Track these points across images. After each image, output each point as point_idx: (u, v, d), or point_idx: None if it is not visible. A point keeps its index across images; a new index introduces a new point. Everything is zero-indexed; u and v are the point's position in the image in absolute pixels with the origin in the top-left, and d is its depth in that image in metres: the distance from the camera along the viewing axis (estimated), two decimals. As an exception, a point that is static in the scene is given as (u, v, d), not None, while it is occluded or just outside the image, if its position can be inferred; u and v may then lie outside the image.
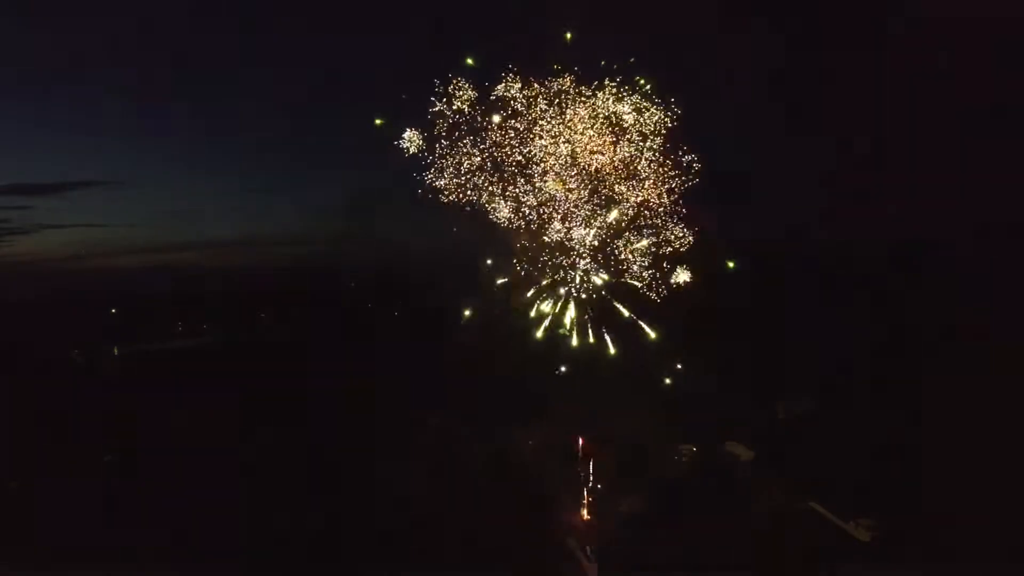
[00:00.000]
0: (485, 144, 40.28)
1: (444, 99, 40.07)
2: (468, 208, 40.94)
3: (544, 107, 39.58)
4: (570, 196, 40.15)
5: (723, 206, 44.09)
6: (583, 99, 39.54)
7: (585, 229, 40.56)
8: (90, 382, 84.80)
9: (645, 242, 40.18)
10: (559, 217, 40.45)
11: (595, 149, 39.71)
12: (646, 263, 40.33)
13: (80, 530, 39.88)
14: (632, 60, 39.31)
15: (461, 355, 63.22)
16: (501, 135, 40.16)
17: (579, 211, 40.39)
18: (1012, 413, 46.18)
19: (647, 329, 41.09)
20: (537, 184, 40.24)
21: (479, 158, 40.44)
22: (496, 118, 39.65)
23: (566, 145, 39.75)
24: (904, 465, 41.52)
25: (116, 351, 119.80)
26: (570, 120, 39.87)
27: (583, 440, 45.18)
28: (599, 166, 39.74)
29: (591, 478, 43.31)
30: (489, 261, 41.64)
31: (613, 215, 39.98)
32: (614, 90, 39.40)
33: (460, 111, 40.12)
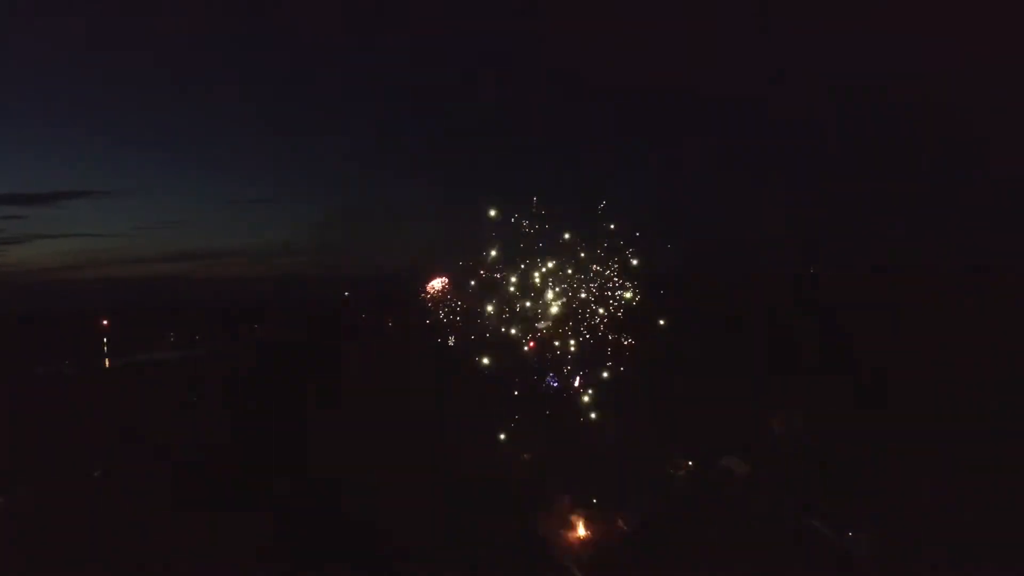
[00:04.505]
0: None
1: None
2: None
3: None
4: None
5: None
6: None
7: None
8: (80, 393, 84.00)
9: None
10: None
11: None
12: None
13: (64, 545, 39.20)
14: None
15: (456, 367, 62.77)
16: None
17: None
18: (1008, 419, 45.94)
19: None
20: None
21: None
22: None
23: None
24: (903, 479, 41.18)
25: (107, 362, 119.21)
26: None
27: None
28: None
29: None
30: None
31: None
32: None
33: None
